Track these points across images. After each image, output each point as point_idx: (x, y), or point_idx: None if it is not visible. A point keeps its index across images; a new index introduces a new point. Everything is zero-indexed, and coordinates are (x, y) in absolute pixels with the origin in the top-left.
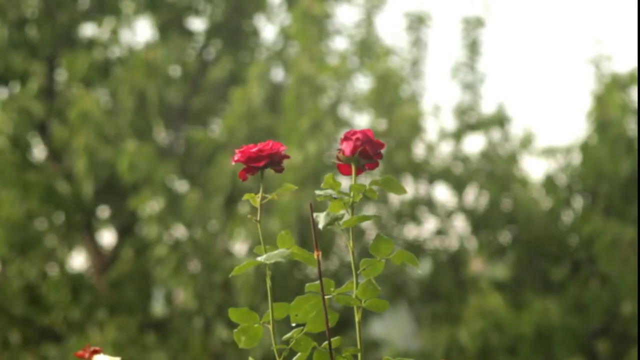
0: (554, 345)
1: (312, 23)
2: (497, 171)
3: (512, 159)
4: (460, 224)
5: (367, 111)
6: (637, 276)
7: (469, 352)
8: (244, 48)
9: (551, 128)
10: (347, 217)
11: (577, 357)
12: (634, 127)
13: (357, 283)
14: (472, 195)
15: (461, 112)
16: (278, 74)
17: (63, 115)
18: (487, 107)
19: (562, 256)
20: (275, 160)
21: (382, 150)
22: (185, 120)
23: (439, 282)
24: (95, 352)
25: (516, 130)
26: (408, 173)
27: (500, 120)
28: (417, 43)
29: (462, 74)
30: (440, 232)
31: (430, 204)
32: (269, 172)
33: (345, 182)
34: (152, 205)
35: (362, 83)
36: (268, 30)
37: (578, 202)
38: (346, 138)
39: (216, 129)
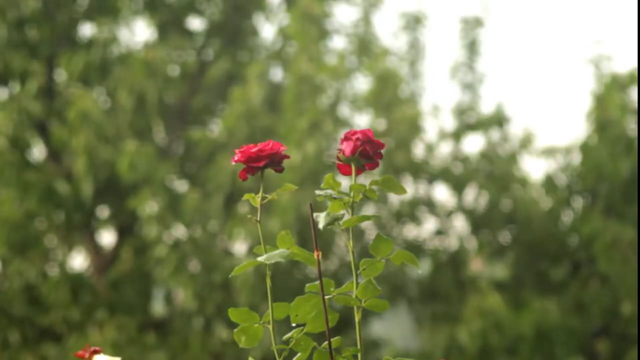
0: (554, 345)
1: (311, 23)
2: (497, 171)
3: (512, 159)
4: (460, 224)
5: (367, 111)
6: (637, 276)
7: (469, 352)
8: (243, 48)
9: (551, 128)
10: (347, 217)
11: (577, 357)
12: (634, 127)
13: (357, 283)
14: (472, 195)
15: (460, 112)
16: (277, 74)
17: (62, 115)
18: (487, 107)
19: (562, 256)
20: (275, 160)
21: (382, 150)
22: (184, 120)
23: (438, 282)
24: (95, 352)
25: (516, 130)
26: (408, 173)
27: (499, 120)
28: (415, 43)
29: (462, 74)
30: (440, 232)
31: (430, 204)
32: (269, 172)
33: (345, 182)
34: (151, 205)
35: (361, 83)
36: (267, 30)
37: (578, 202)
38: (346, 138)
39: (215, 129)
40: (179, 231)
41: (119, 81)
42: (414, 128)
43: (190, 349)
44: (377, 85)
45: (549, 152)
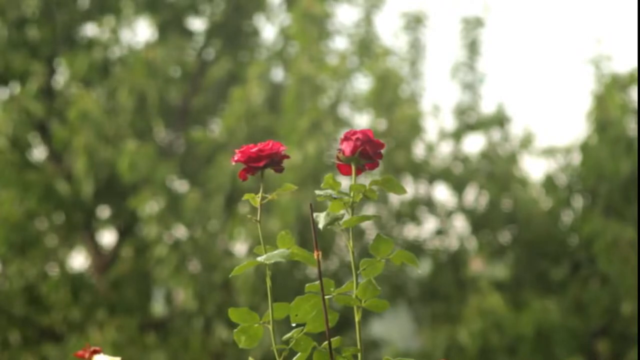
0: (554, 345)
1: (312, 23)
2: (497, 171)
3: (512, 159)
4: (460, 224)
5: (367, 111)
6: (637, 276)
7: (469, 352)
8: (244, 48)
9: (551, 128)
10: (347, 217)
11: (577, 357)
12: (634, 127)
13: (357, 283)
14: (472, 195)
15: (461, 112)
16: (278, 74)
17: (63, 115)
18: (487, 107)
19: (562, 256)
20: (275, 160)
21: (382, 150)
22: (185, 120)
23: (439, 282)
24: (95, 352)
25: (516, 130)
26: (408, 173)
27: (500, 120)
28: (416, 43)
29: (462, 74)
30: (440, 232)
31: (430, 204)
32: (269, 172)
33: (345, 182)
34: (152, 205)
35: (362, 83)
36: (268, 30)
37: (578, 202)
38: (346, 138)
39: (216, 128)
40: (179, 231)
41: (120, 81)
42: (415, 128)
43: (190, 349)
44: (378, 85)
45: (549, 152)
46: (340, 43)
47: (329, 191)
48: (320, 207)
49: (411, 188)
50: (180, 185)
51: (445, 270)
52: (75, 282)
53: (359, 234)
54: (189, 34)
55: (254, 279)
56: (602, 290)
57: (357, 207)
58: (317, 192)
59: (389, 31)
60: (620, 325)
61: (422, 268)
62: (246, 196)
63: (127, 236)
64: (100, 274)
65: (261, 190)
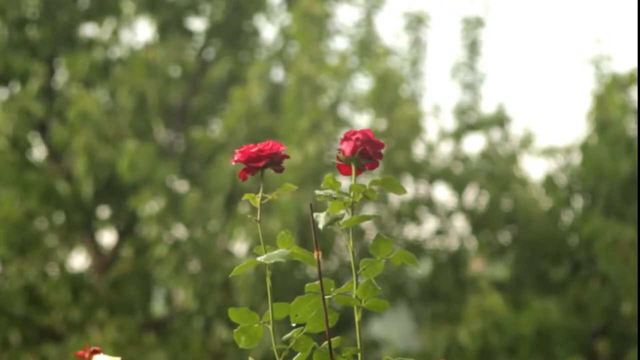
0: (554, 345)
1: (312, 23)
2: (497, 171)
3: (512, 159)
4: (460, 224)
5: (367, 111)
6: (637, 276)
7: (469, 352)
8: (244, 48)
9: (551, 128)
10: (347, 217)
11: (577, 357)
12: (634, 127)
13: (357, 283)
14: (472, 195)
15: (461, 112)
16: (278, 74)
17: (63, 116)
18: (487, 107)
19: (562, 256)
20: (275, 160)
21: (382, 150)
22: (185, 120)
23: (439, 282)
24: (95, 352)
25: (516, 130)
26: (408, 173)
27: (500, 120)
28: (417, 43)
29: (462, 74)
30: (440, 232)
31: (430, 204)
32: (269, 172)
33: (345, 182)
34: (152, 205)
35: (362, 83)
36: (268, 30)
37: (578, 202)
38: (346, 138)
39: (216, 129)
40: (179, 231)
41: (120, 81)
42: (415, 128)
43: (190, 349)
44: (378, 85)
45: (549, 152)
46: (340, 43)
47: (329, 191)
48: (320, 207)
49: (411, 188)
50: (180, 185)
51: (445, 270)
52: (75, 282)
53: (359, 234)
54: (189, 34)
55: (254, 279)
56: (602, 290)
57: (357, 207)
58: (317, 192)
59: (390, 31)
60: (620, 325)
61: (422, 268)
62: (246, 196)
63: (127, 236)
64: (100, 274)
65: (261, 190)
